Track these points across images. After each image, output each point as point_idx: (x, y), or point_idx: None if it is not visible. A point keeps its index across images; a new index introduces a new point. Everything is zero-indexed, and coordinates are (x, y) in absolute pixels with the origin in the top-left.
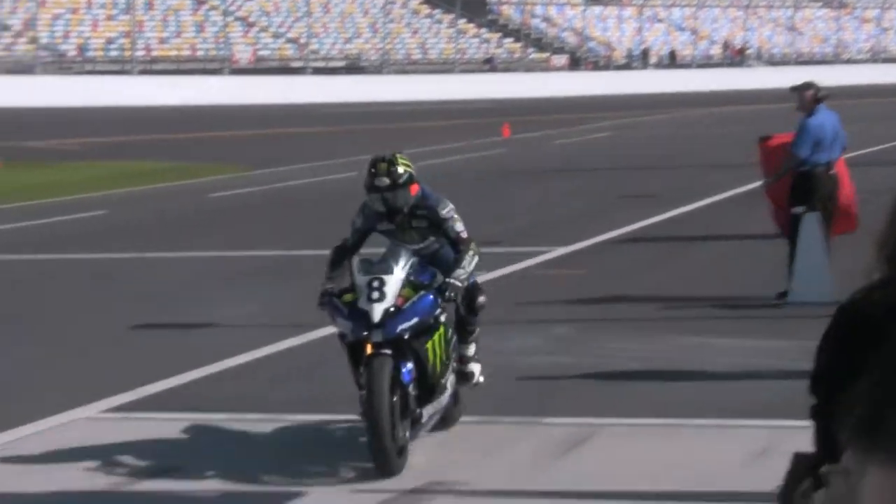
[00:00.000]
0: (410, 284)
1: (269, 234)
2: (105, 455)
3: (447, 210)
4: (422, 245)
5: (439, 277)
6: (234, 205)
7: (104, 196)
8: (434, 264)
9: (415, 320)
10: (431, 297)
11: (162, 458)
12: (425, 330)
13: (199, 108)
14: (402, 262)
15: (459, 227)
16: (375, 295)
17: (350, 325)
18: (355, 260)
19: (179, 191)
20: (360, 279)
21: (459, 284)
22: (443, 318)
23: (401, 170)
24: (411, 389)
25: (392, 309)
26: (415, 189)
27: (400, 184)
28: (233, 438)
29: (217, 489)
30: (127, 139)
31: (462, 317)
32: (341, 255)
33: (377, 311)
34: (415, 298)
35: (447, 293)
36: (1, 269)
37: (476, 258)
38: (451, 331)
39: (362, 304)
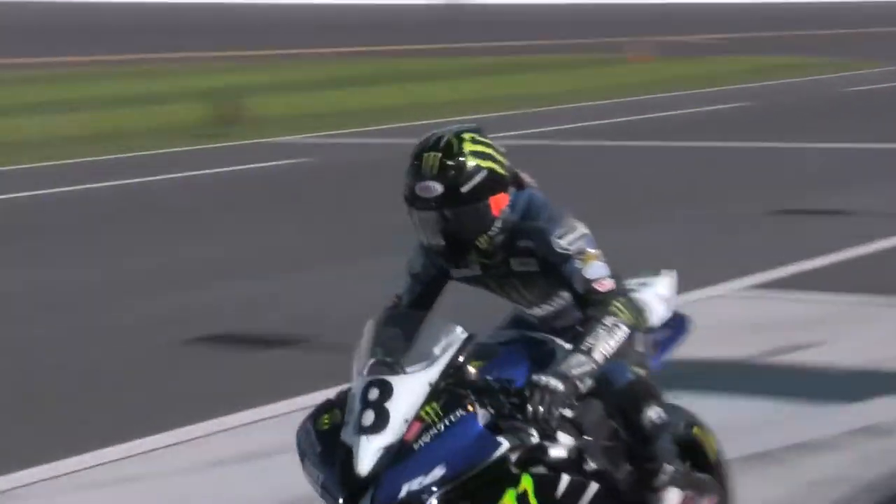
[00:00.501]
0: (470, 389)
1: None
2: (752, 328)
3: (567, 238)
4: (547, 307)
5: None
6: (870, 99)
7: (745, 88)
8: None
9: (438, 472)
10: (479, 423)
11: (800, 334)
12: (484, 485)
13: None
14: (439, 346)
15: (593, 270)
16: (368, 418)
17: (321, 478)
18: (370, 326)
19: (815, 84)
20: (357, 382)
21: (555, 386)
22: (553, 452)
23: (470, 164)
24: None
25: (393, 448)
26: (501, 202)
27: (463, 193)
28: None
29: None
30: (764, 35)
31: (629, 443)
32: (387, 326)
33: (365, 454)
34: (440, 427)
35: (529, 408)
36: (664, 154)
37: (621, 329)
38: (567, 479)
39: (346, 434)
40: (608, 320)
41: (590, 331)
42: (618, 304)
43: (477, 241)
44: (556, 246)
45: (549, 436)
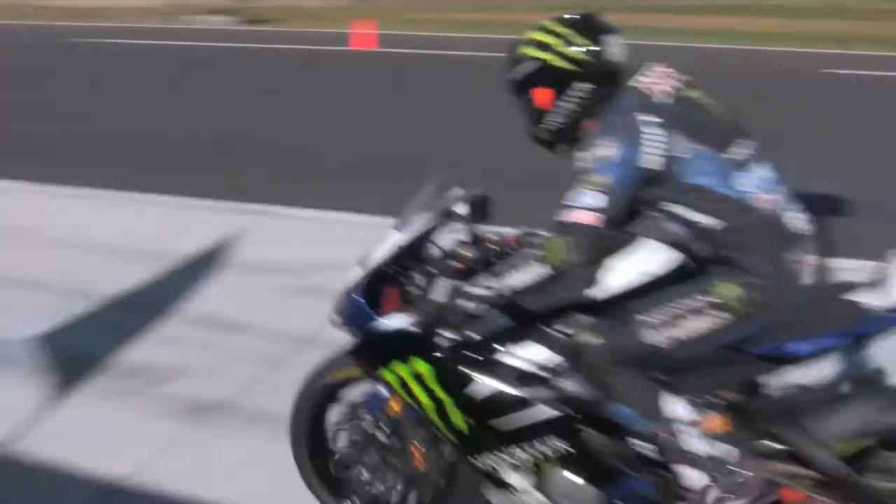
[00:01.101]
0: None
1: None
2: None
3: (588, 152)
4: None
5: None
6: None
7: None
8: None
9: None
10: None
11: None
12: (379, 350)
13: None
14: (436, 214)
15: (578, 195)
16: (373, 251)
17: None
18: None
19: None
20: None
21: (447, 295)
22: (511, 361)
23: (522, 52)
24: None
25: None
26: (545, 96)
27: (512, 81)
28: None
29: None
30: None
31: None
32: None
33: (353, 278)
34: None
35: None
36: None
37: (536, 267)
38: (491, 387)
39: None
40: (531, 253)
41: (513, 259)
42: (556, 243)
43: (537, 134)
44: (576, 158)
45: (511, 342)
